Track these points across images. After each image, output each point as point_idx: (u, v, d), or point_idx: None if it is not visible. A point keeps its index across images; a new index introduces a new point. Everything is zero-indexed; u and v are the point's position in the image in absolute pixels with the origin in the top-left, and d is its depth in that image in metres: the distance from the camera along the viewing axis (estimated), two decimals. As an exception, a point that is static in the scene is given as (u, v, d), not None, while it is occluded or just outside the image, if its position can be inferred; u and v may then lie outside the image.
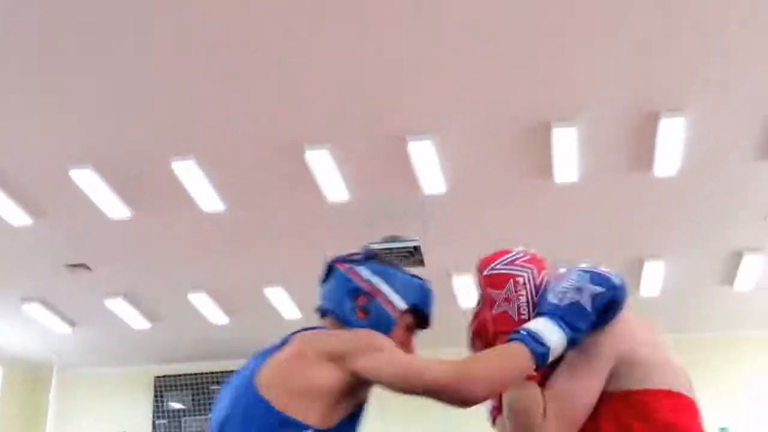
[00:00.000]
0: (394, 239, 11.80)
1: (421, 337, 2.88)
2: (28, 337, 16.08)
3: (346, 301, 2.62)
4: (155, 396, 17.26)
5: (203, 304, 14.76)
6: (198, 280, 14.08)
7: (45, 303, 14.68)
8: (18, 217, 11.82)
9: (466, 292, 14.32)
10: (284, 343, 2.60)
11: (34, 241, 12.60)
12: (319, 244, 13.13)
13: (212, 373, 17.19)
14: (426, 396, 2.30)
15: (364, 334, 2.46)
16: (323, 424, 2.35)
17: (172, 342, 16.42)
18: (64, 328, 15.39)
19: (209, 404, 17.09)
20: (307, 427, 2.32)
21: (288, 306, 14.83)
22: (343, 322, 2.61)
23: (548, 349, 2.37)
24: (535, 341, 2.38)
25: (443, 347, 16.23)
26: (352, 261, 2.71)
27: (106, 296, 14.46)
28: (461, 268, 13.59)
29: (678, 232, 12.61)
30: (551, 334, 2.40)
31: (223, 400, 2.71)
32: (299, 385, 2.35)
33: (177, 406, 17.21)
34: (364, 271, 2.68)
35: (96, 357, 16.76)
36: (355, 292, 2.62)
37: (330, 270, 2.73)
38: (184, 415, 17.13)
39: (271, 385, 2.43)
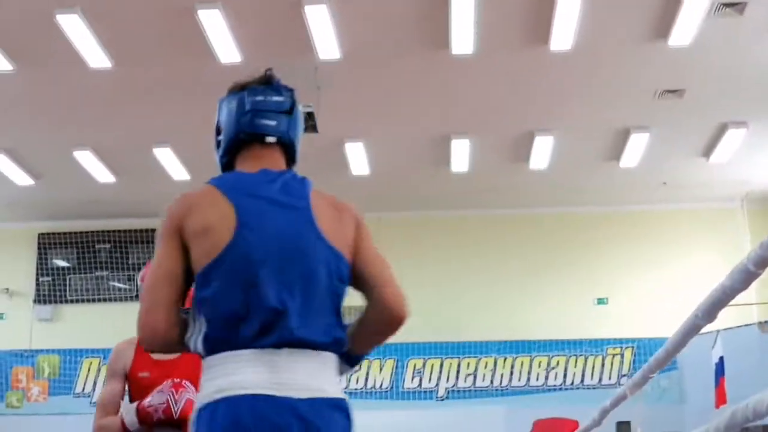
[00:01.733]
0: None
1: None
2: None
3: (299, 143, 2.83)
4: (39, 253, 17.01)
5: (89, 161, 14.45)
6: (83, 137, 13.74)
7: None
8: None
9: (357, 159, 14.36)
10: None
11: None
12: (209, 106, 12.95)
13: (98, 231, 16.99)
14: None
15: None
16: None
17: (57, 199, 16.11)
18: (-58, 182, 14.97)
19: (95, 262, 16.95)
20: None
21: (176, 166, 14.63)
22: (291, 160, 2.77)
23: None
24: None
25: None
26: None
27: (-13, 151, 14.06)
28: (354, 135, 13.61)
29: (569, 107, 12.76)
30: None
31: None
32: None
33: (62, 263, 17.01)
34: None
35: (-23, 213, 16.42)
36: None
37: (294, 103, 2.79)
38: (69, 273, 16.96)
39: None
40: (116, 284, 17.02)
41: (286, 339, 2.42)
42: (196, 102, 12.45)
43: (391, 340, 2.73)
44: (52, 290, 16.91)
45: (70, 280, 16.99)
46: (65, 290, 16.92)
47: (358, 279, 2.63)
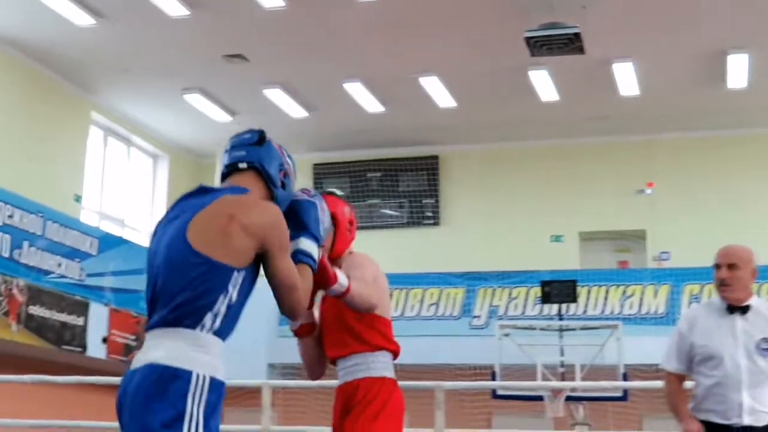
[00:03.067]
0: (552, 26, 11.45)
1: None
2: (190, 126, 16.58)
3: (275, 168, 3.24)
4: (315, 184, 17.68)
5: (358, 92, 14.83)
6: (353, 69, 14.09)
7: (205, 93, 15.02)
8: (175, 8, 11.96)
9: (626, 79, 13.96)
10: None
11: (192, 33, 12.79)
12: (476, 32, 12.96)
13: (369, 160, 17.46)
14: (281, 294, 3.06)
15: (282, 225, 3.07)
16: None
17: (330, 130, 16.65)
18: (224, 117, 15.77)
19: (367, 191, 17.45)
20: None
21: (442, 94, 14.75)
22: (268, 181, 3.22)
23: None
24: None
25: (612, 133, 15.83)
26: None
27: (263, 86, 14.67)
28: (622, 54, 13.22)
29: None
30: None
31: None
32: None
33: (336, 193, 17.60)
34: (285, 155, 3.32)
35: (257, 145, 17.13)
36: (281, 167, 3.26)
37: (262, 138, 3.28)
38: (343, 202, 17.54)
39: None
40: (387, 211, 17.46)
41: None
42: (460, 30, 12.48)
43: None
44: (328, 218, 17.57)
45: (344, 208, 17.58)
46: (340, 218, 17.51)
47: None
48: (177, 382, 2.82)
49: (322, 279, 3.42)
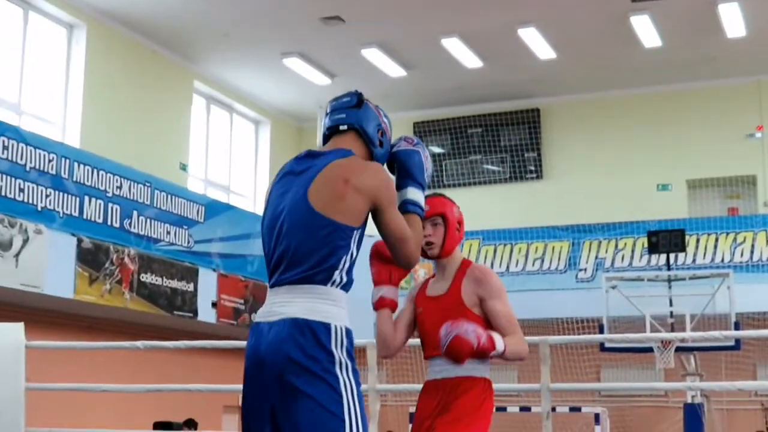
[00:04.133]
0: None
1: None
2: (291, 91, 16.70)
3: (373, 128, 3.45)
4: (415, 142, 17.67)
5: (456, 48, 14.73)
6: (450, 24, 14.00)
7: (303, 56, 15.10)
8: (270, -28, 12.05)
9: (731, 20, 13.58)
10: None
11: (288, -4, 12.86)
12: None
13: (469, 116, 17.36)
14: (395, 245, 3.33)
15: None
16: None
17: (428, 88, 16.59)
18: (323, 80, 15.85)
19: (467, 147, 17.37)
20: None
21: (542, 45, 14.56)
22: (367, 141, 3.43)
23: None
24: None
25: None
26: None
27: (361, 46, 14.69)
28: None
29: None
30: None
31: None
32: None
33: (437, 150, 17.58)
34: (383, 115, 3.53)
35: (356, 106, 17.18)
36: (378, 127, 3.47)
37: (360, 100, 3.46)
38: (445, 159, 17.51)
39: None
40: (489, 167, 17.38)
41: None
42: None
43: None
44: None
45: (445, 165, 17.56)
46: (442, 175, 17.51)
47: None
48: (320, 333, 3.12)
49: (484, 355, 3.69)
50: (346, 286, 3.25)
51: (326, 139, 3.46)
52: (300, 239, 3.19)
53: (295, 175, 3.30)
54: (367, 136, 3.41)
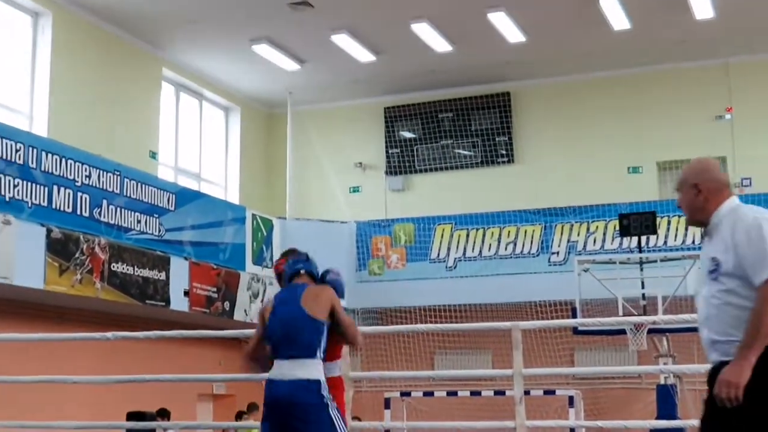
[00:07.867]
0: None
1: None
2: (260, 77, 16.61)
3: (315, 270, 5.81)
4: (386, 127, 17.63)
5: (425, 32, 14.68)
6: (419, 8, 13.95)
7: (272, 42, 15.01)
8: (238, -42, 11.94)
9: (700, 2, 13.61)
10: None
11: (256, -18, 12.75)
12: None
13: (440, 101, 17.33)
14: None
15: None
16: None
17: (399, 73, 16.54)
18: (293, 66, 15.76)
19: (439, 132, 17.34)
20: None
21: (511, 29, 14.54)
22: (314, 277, 5.77)
23: None
24: None
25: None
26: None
27: (330, 31, 14.61)
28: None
29: None
30: None
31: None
32: None
33: (408, 135, 17.54)
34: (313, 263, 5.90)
35: (327, 93, 17.15)
36: (316, 269, 5.83)
37: (308, 257, 5.86)
38: (416, 144, 17.47)
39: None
40: (461, 151, 17.36)
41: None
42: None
43: None
44: (401, 161, 17.54)
45: (417, 150, 17.52)
46: (413, 160, 17.48)
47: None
48: (315, 385, 5.33)
49: None
50: (323, 357, 5.42)
51: (291, 277, 5.64)
52: (297, 330, 5.39)
53: (288, 297, 5.55)
54: (313, 275, 5.69)
